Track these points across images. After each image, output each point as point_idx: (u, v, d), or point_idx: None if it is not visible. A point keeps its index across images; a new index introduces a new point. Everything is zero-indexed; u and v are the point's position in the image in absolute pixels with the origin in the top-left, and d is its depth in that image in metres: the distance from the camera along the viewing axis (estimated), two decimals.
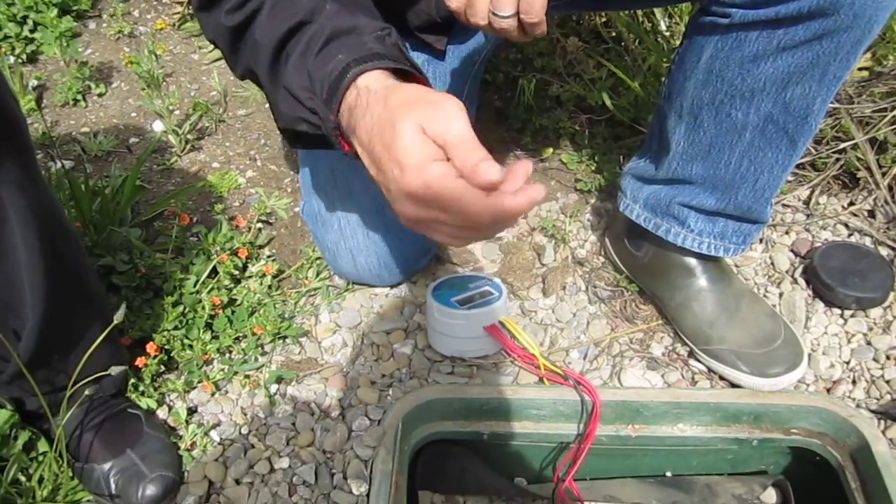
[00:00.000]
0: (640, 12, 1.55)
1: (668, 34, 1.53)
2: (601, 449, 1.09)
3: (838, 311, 1.21)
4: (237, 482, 1.03)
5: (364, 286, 1.28)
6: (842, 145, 1.37)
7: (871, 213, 1.35)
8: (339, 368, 1.16)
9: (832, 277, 1.20)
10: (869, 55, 1.42)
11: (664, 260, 1.16)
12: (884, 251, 1.28)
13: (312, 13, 0.80)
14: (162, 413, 1.10)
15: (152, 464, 1.00)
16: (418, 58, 1.16)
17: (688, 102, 1.00)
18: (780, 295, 1.23)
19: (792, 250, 1.31)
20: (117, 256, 1.23)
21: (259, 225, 1.38)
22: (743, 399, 1.07)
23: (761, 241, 1.33)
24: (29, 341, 0.90)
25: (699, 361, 1.15)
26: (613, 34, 1.63)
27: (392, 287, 1.27)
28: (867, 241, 1.31)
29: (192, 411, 1.11)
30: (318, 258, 1.31)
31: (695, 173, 1.05)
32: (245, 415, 1.10)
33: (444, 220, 0.67)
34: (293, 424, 1.09)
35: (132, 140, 1.61)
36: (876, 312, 1.20)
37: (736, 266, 1.28)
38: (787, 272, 1.27)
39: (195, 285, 1.21)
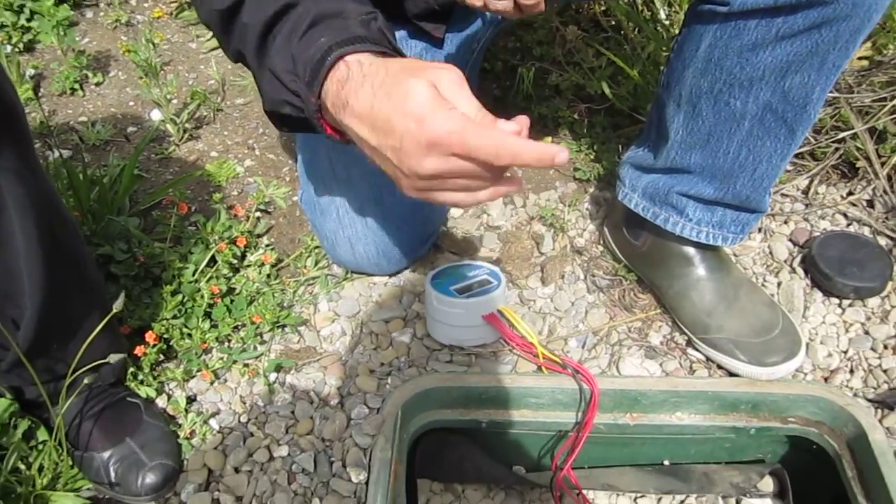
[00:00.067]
0: (639, 1, 1.55)
1: (667, 23, 1.52)
2: (599, 437, 1.10)
3: (836, 300, 1.21)
4: (236, 470, 1.04)
5: (363, 275, 1.28)
6: (841, 135, 1.37)
7: (870, 203, 1.35)
8: (337, 357, 1.16)
9: (830, 267, 1.20)
10: (869, 44, 1.42)
11: (662, 249, 1.16)
12: (882, 241, 1.28)
13: None
14: (161, 402, 1.10)
15: (152, 452, 1.00)
16: (416, 46, 1.16)
17: (686, 91, 0.99)
18: (779, 284, 1.24)
19: (790, 240, 1.31)
20: (116, 245, 1.23)
21: (257, 214, 1.38)
22: (741, 388, 1.07)
23: (760, 230, 1.33)
24: (28, 330, 0.90)
25: (697, 350, 1.15)
26: (613, 23, 1.62)
27: (391, 276, 1.27)
28: (866, 231, 1.31)
29: (191, 400, 1.11)
30: (316, 247, 1.31)
31: (693, 162, 1.05)
32: (244, 403, 1.11)
33: (460, 171, 0.68)
34: (292, 413, 1.09)
35: (130, 129, 1.61)
36: (874, 302, 1.20)
37: (734, 255, 1.28)
38: (785, 262, 1.28)
39: (194, 274, 1.21)
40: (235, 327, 1.19)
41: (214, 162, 1.51)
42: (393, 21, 0.85)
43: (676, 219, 1.11)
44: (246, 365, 1.14)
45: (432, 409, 1.09)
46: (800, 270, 1.25)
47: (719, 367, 1.13)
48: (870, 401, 1.08)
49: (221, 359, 1.15)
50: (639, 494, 1.17)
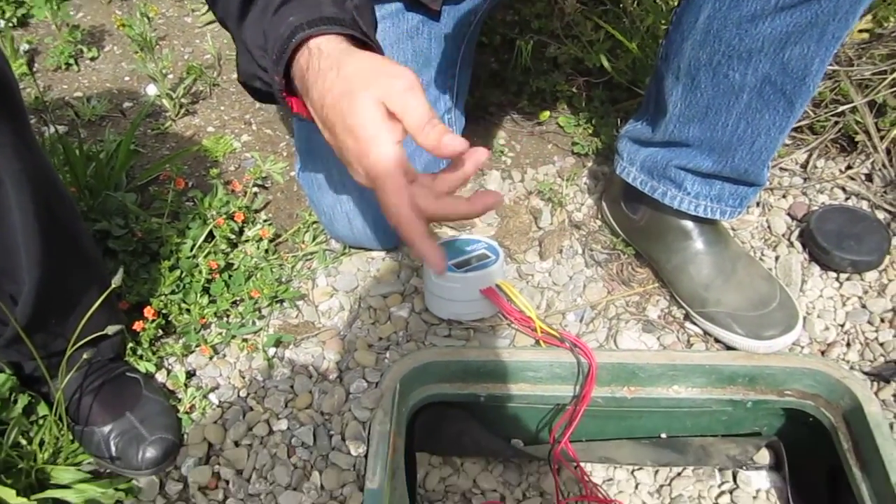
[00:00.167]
0: None
1: None
2: (597, 411, 1.10)
3: (834, 274, 1.21)
4: (236, 444, 1.04)
5: (361, 250, 1.28)
6: (840, 108, 1.36)
7: (869, 177, 1.35)
8: (336, 332, 1.17)
9: (828, 241, 1.20)
10: (869, 17, 1.41)
11: (661, 223, 1.16)
12: (880, 215, 1.28)
13: None
14: (160, 377, 1.11)
15: (152, 426, 1.01)
16: (413, 18, 1.15)
17: (685, 63, 0.99)
18: (777, 258, 1.24)
19: (789, 214, 1.31)
20: (113, 221, 1.23)
21: (255, 189, 1.37)
22: (738, 361, 1.07)
23: (758, 204, 1.33)
24: (26, 305, 0.90)
25: (695, 324, 1.15)
26: None
27: (389, 251, 1.27)
28: (864, 205, 1.31)
29: (190, 375, 1.12)
30: (314, 222, 1.31)
31: (692, 135, 1.04)
32: (243, 378, 1.11)
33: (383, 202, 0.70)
34: (291, 387, 1.10)
35: (126, 104, 1.60)
36: (871, 276, 1.20)
37: (732, 229, 1.28)
38: (783, 235, 1.28)
39: (192, 249, 1.21)
40: (234, 302, 1.19)
41: (211, 137, 1.51)
42: None
43: (674, 192, 1.11)
44: (245, 340, 1.15)
45: (431, 382, 1.09)
46: (798, 244, 1.25)
47: (717, 340, 1.13)
48: (866, 373, 1.09)
49: (220, 334, 1.15)
50: (636, 467, 1.17)
